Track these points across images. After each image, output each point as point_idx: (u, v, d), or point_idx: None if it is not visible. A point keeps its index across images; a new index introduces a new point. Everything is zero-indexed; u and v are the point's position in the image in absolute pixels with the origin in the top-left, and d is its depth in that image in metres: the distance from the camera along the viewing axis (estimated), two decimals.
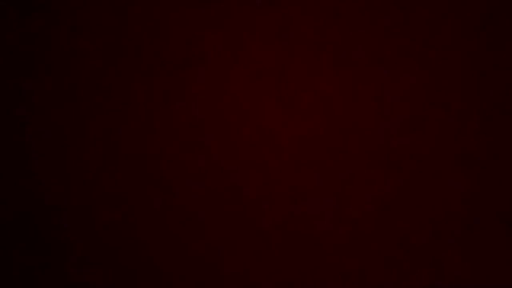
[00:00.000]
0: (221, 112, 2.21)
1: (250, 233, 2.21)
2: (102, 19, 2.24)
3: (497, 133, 2.17)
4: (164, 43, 2.23)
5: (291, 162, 2.20)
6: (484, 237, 2.16)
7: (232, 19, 2.21)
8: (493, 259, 2.15)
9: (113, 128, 2.23)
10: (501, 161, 2.17)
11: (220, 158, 2.21)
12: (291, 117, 2.20)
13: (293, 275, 2.20)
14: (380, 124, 2.19)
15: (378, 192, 2.19)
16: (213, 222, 2.21)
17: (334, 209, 2.19)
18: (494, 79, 2.17)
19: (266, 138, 2.21)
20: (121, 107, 2.23)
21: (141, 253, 2.22)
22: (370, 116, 2.19)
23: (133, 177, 2.23)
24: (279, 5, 2.20)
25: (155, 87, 2.23)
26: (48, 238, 2.22)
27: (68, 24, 2.24)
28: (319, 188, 2.20)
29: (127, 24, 2.24)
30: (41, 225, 2.23)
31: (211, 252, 2.22)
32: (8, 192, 2.24)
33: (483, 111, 2.17)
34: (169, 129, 2.22)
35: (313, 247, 2.19)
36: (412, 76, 2.19)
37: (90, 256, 2.23)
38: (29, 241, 2.23)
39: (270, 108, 2.21)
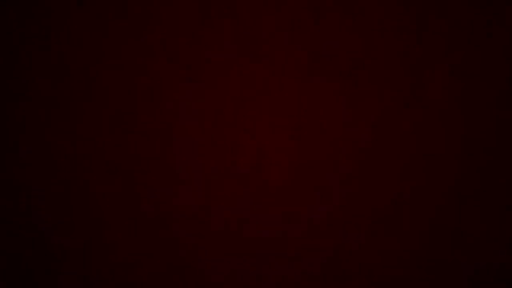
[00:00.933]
0: (218, 125, 2.22)
1: (247, 240, 2.21)
2: (102, 20, 2.24)
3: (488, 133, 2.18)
4: (163, 47, 2.23)
5: (289, 176, 2.21)
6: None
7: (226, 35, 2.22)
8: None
9: (112, 129, 2.23)
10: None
11: (216, 168, 2.21)
12: (285, 128, 2.21)
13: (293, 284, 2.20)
14: (380, 130, 2.20)
15: (372, 211, 2.19)
16: (211, 227, 2.22)
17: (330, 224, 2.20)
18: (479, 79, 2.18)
19: (263, 148, 2.21)
20: (120, 106, 2.23)
21: (140, 253, 2.22)
22: (367, 123, 2.20)
23: (132, 177, 2.22)
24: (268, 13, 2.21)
25: (154, 90, 2.23)
26: (47, 239, 2.22)
27: (67, 24, 2.24)
28: (317, 195, 2.21)
29: (128, 27, 2.24)
30: (40, 225, 2.23)
31: (209, 257, 2.22)
32: (7, 192, 2.23)
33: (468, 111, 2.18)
34: (169, 133, 2.22)
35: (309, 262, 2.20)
36: (409, 79, 2.20)
37: (89, 257, 2.22)
38: (28, 241, 2.22)
39: (265, 119, 2.21)
